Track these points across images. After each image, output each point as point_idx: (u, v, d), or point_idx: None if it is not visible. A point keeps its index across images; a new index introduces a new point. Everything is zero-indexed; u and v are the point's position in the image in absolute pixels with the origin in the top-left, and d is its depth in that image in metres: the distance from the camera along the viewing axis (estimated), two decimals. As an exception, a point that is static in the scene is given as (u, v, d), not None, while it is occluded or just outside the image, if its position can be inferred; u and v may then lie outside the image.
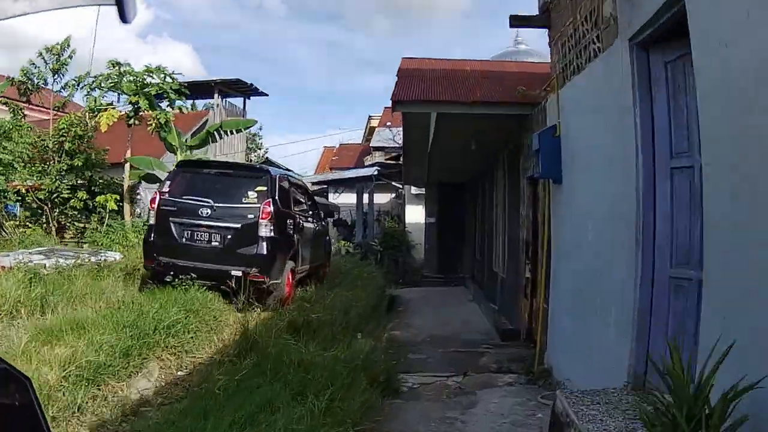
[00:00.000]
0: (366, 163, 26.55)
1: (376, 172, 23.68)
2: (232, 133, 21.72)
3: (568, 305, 7.60)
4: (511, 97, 10.95)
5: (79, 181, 20.24)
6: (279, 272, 10.83)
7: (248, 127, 22.26)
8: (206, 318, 9.40)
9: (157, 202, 11.05)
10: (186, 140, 20.71)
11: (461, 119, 12.00)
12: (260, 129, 58.30)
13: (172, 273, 10.43)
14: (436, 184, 21.42)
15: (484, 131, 13.02)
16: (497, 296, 14.59)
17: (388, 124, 27.97)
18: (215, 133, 20.76)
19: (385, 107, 30.50)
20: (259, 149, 52.93)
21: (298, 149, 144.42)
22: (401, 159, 20.03)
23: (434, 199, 21.43)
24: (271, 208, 10.53)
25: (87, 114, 20.68)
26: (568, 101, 7.77)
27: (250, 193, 10.72)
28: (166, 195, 11.05)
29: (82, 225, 20.06)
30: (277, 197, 10.90)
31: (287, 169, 35.94)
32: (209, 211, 10.63)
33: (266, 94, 34.61)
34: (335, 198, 34.17)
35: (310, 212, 13.66)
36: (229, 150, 31.05)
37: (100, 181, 20.69)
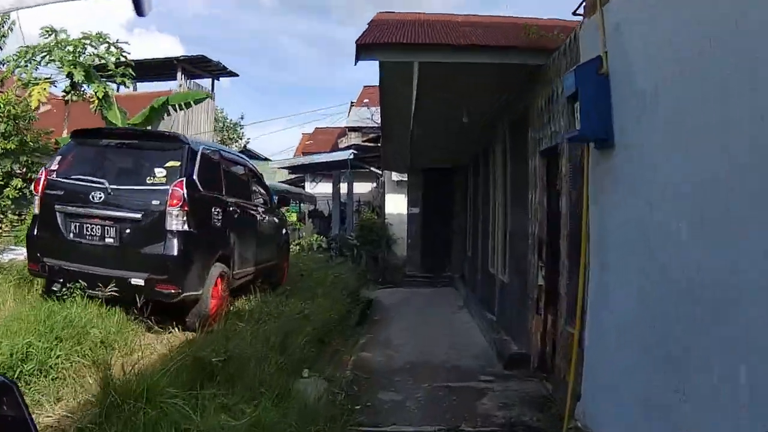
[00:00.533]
0: (341, 146, 23.62)
1: (351, 156, 20.77)
2: (180, 108, 18.57)
3: (628, 339, 4.77)
4: (518, 41, 8.13)
5: (15, 168, 17.28)
6: (198, 280, 7.90)
7: (200, 101, 19.20)
8: (86, 347, 6.51)
9: (41, 185, 8.14)
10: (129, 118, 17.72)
11: (451, 77, 9.22)
12: (242, 118, 55.97)
13: (61, 280, 7.59)
14: (420, 169, 18.59)
15: (481, 93, 10.24)
16: (495, 304, 11.79)
17: (366, 101, 25.06)
18: (162, 108, 17.72)
19: (365, 86, 27.59)
20: (240, 139, 50.41)
21: (282, 142, 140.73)
22: (380, 141, 17.18)
23: (418, 187, 18.59)
24: (184, 192, 7.57)
25: (15, 90, 17.65)
26: (627, 16, 4.92)
27: (157, 170, 7.75)
28: (54, 175, 8.14)
29: (16, 217, 17.18)
30: (196, 177, 7.95)
31: (266, 159, 33.16)
32: (102, 195, 7.70)
33: (236, 74, 31.46)
34: (312, 188, 31.26)
35: (258, 199, 10.77)
36: (194, 131, 28.07)
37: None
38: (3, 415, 1.67)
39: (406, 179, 19.78)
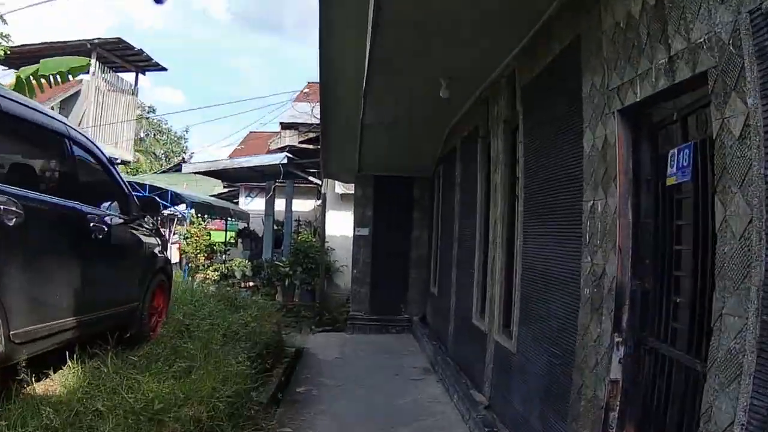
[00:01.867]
0: (272, 149, 19.21)
1: (285, 160, 16.37)
2: (56, 81, 14.07)
3: None
4: None
5: None
6: None
7: (78, 70, 14.59)
8: None
9: None
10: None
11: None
12: (186, 131, 53.02)
13: None
14: (371, 177, 14.31)
15: (481, 32, 6.20)
16: (484, 377, 7.61)
17: (307, 92, 20.69)
18: (29, 81, 13.20)
19: (309, 82, 23.21)
20: (184, 153, 47.10)
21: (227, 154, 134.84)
22: (320, 138, 12.91)
23: (367, 201, 14.29)
24: None
25: None
26: None
27: None
28: None
29: None
30: None
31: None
32: None
33: (164, 69, 26.87)
34: (247, 203, 26.63)
35: (98, 199, 6.35)
36: (111, 119, 23.42)
37: None
38: None
39: (352, 192, 15.51)
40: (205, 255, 19.69)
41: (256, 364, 7.60)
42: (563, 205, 5.17)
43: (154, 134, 48.47)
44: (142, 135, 44.75)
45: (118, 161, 23.22)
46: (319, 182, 17.43)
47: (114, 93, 24.04)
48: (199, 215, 21.26)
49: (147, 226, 7.68)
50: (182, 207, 20.42)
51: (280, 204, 20.85)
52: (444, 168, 12.43)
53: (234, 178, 21.51)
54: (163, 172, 34.53)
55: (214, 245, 20.63)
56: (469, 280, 9.02)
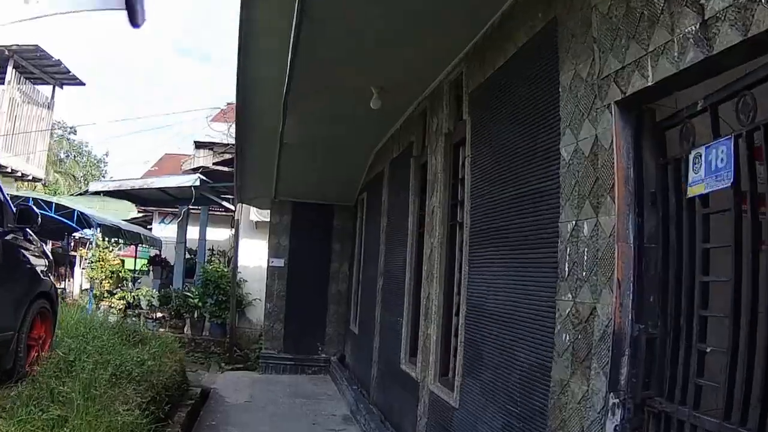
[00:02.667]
0: (184, 169, 17.79)
1: (197, 182, 15.01)
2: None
3: None
4: None
5: None
6: None
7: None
8: None
9: None
10: None
11: None
12: (106, 155, 51.00)
13: None
14: (288, 203, 13.12)
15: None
16: (413, 429, 6.52)
17: (224, 111, 19.20)
18: None
19: (228, 103, 21.74)
20: (103, 176, 45.08)
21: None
22: (235, 158, 11.67)
23: (284, 230, 13.03)
24: None
25: None
26: None
27: None
28: None
29: None
30: None
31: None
32: None
33: (82, 83, 24.94)
34: (161, 229, 24.87)
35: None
36: (24, 133, 21.40)
37: None
38: None
39: (268, 220, 14.27)
40: (110, 282, 17.89)
41: (150, 410, 6.31)
42: (528, 228, 4.17)
43: (74, 156, 46.30)
44: (62, 156, 42.84)
45: (29, 177, 21.50)
46: (233, 208, 16.08)
47: (29, 105, 22.11)
48: (106, 239, 19.38)
49: (29, 244, 6.34)
50: (92, 230, 18.53)
51: (194, 232, 19.47)
52: (368, 195, 11.39)
53: (145, 201, 19.87)
54: (81, 194, 32.70)
55: (120, 272, 18.79)
56: (396, 319, 7.93)
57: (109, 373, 6.41)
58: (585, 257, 3.37)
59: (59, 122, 37.33)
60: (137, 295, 16.32)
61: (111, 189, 16.69)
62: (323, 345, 13.08)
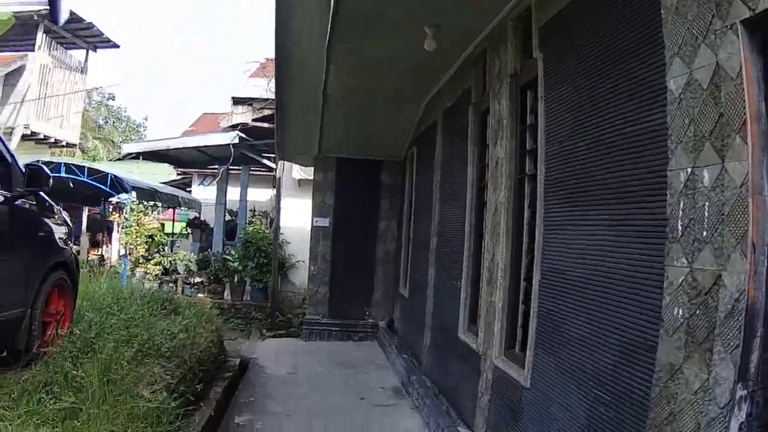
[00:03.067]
0: (223, 126, 17.34)
1: (236, 140, 14.56)
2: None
3: None
4: None
5: None
6: None
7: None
8: None
9: None
10: None
11: None
12: (145, 119, 52.18)
13: None
14: (333, 160, 12.60)
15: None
16: (476, 407, 6.01)
17: (263, 63, 18.62)
18: None
19: (267, 58, 21.20)
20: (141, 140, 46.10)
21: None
22: (275, 113, 11.14)
23: (328, 188, 12.54)
24: None
25: None
26: None
27: None
28: None
29: None
30: None
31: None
32: None
33: (116, 46, 24.68)
34: (201, 191, 24.57)
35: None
36: (57, 98, 21.16)
37: None
38: None
39: (311, 178, 13.77)
40: (146, 247, 17.61)
41: (180, 391, 5.87)
42: (624, 179, 3.54)
43: (113, 122, 46.64)
44: (100, 122, 43.16)
45: (63, 143, 21.45)
46: (275, 166, 15.59)
47: (62, 70, 21.76)
48: (142, 202, 19.06)
49: (44, 210, 5.92)
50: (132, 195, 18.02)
51: (234, 193, 19.13)
52: (419, 148, 10.79)
53: (183, 163, 19.50)
54: (119, 159, 32.74)
55: (155, 236, 18.45)
56: (453, 283, 7.38)
57: (134, 350, 5.97)
58: (706, 213, 2.75)
59: (97, 89, 37.62)
60: (174, 260, 16.02)
61: (146, 150, 16.24)
62: (370, 309, 12.64)
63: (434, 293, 8.56)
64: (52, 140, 20.48)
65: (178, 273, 15.65)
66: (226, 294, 15.37)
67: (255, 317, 14.74)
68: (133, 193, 15.98)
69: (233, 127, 15.60)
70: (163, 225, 23.42)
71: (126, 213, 16.93)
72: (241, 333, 13.35)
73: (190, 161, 18.94)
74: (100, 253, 19.97)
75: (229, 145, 14.71)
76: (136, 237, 17.00)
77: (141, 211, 17.00)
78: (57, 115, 21.19)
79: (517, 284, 5.38)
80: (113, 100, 46.18)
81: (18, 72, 19.70)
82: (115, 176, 15.96)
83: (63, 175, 15.48)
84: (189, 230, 22.92)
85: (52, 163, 15.58)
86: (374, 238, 12.75)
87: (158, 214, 26.77)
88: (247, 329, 13.62)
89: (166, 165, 22.51)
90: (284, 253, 15.70)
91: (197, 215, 23.58)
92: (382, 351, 11.19)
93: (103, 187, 16.14)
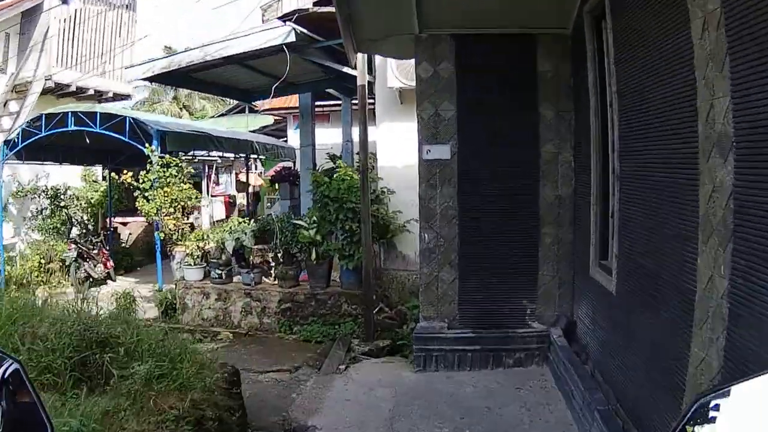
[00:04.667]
0: (266, 19, 12.61)
1: (292, 37, 9.38)
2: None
3: None
4: None
5: None
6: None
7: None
8: None
9: None
10: None
11: None
12: None
13: None
14: (447, 40, 7.40)
15: None
16: None
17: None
18: None
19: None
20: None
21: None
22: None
23: (444, 88, 7.13)
24: None
25: None
26: None
27: None
28: None
29: None
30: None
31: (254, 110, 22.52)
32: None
33: None
34: (297, 137, 20.09)
35: None
36: (99, 42, 18.45)
37: None
38: (15, 401, 1.56)
39: (412, 85, 8.53)
40: (175, 218, 12.59)
41: None
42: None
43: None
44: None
45: (109, 94, 19.12)
46: (353, 72, 10.34)
47: (107, 12, 19.02)
48: (176, 153, 13.91)
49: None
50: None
51: (334, 135, 16.03)
52: (614, 7, 5.54)
53: (222, 88, 14.89)
54: (222, 115, 30.08)
55: (191, 199, 13.23)
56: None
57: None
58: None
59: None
60: (222, 237, 11.25)
61: (157, 73, 11.40)
62: (534, 304, 7.53)
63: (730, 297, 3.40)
64: (91, 92, 18.17)
65: (226, 251, 10.96)
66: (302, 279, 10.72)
67: (347, 312, 10.08)
68: (157, 143, 11.74)
69: (286, 16, 10.26)
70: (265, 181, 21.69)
71: (165, 171, 11.89)
72: (318, 348, 8.81)
73: (225, 85, 14.33)
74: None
75: (281, 46, 9.83)
76: (164, 201, 12.02)
77: (176, 165, 11.91)
78: (108, 66, 19.14)
79: None
80: (134, 11, 43.31)
81: (35, 10, 16.47)
82: (133, 119, 11.76)
83: (72, 128, 12.63)
84: (276, 185, 18.56)
85: (56, 114, 12.85)
86: (533, 175, 7.53)
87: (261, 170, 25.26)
88: (327, 342, 8.98)
89: (264, 116, 22.54)
90: (385, 210, 10.71)
91: (285, 165, 19.16)
92: (559, 391, 6.14)
93: (120, 136, 11.97)
